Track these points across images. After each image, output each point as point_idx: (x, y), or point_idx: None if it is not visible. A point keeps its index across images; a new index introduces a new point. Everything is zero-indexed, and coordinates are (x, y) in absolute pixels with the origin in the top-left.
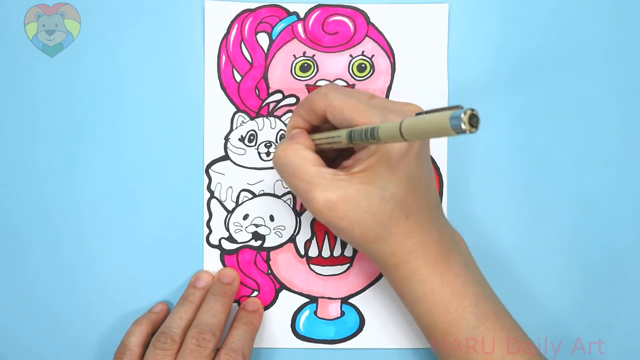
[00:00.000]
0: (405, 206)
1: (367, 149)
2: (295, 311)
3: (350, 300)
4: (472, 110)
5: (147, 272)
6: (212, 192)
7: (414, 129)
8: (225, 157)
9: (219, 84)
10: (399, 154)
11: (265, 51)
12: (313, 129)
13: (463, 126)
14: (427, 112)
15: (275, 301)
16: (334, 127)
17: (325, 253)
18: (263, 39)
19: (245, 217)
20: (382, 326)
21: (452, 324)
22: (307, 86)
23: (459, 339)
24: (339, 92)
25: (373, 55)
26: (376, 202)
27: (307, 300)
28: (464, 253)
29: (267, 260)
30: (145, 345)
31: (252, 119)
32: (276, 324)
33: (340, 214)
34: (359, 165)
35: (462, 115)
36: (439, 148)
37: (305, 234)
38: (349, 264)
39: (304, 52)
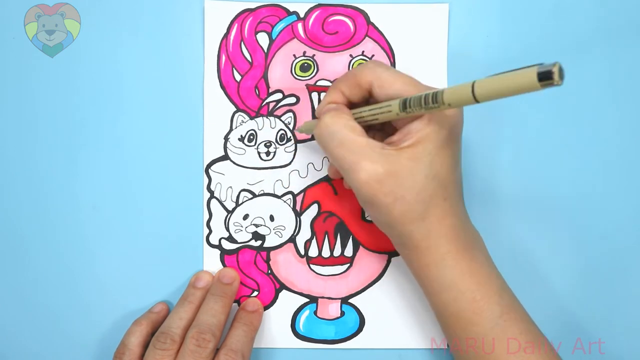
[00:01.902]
0: (445, 187)
1: (417, 122)
2: (295, 311)
3: (350, 300)
4: (558, 63)
5: (147, 272)
6: (212, 192)
7: (491, 87)
8: (225, 157)
9: (218, 83)
10: (448, 132)
11: (265, 51)
12: (348, 106)
13: (555, 77)
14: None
15: (275, 301)
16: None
17: (325, 253)
18: (263, 39)
19: (245, 217)
20: (382, 326)
21: (478, 312)
22: (307, 86)
23: (479, 331)
24: (386, 67)
25: (373, 55)
26: (421, 179)
27: (307, 300)
28: (483, 246)
29: (267, 260)
30: (145, 345)
31: (252, 118)
32: (276, 324)
33: (386, 189)
34: (408, 139)
35: (554, 69)
36: None
37: (305, 234)
38: (349, 264)
39: (304, 52)
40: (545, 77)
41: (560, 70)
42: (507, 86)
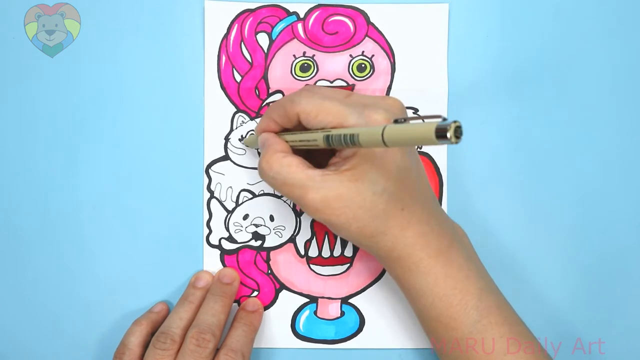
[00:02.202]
0: (398, 198)
1: (350, 148)
2: (295, 311)
3: (350, 300)
4: (457, 122)
5: (147, 272)
6: (212, 192)
7: (397, 137)
8: (225, 157)
9: (219, 84)
10: (384, 149)
11: (265, 51)
12: (284, 130)
13: (448, 135)
14: (405, 120)
15: (275, 301)
16: (306, 127)
17: (325, 253)
18: (263, 39)
19: (245, 217)
20: (382, 326)
21: (455, 317)
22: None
23: (460, 336)
24: (312, 96)
25: (373, 55)
26: (369, 197)
27: (307, 300)
28: (467, 246)
29: (267, 260)
30: (145, 345)
31: (252, 119)
32: (276, 324)
33: (336, 211)
34: (345, 163)
35: (449, 127)
36: (438, 148)
37: (305, 234)
38: (349, 264)
39: (304, 52)
40: (441, 135)
41: (457, 130)
42: (410, 137)
